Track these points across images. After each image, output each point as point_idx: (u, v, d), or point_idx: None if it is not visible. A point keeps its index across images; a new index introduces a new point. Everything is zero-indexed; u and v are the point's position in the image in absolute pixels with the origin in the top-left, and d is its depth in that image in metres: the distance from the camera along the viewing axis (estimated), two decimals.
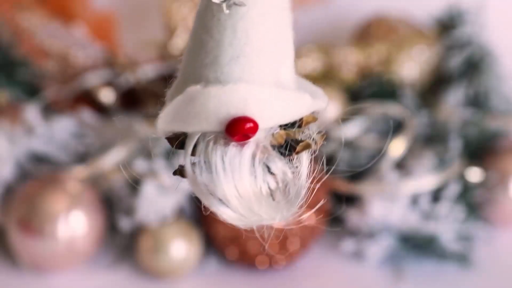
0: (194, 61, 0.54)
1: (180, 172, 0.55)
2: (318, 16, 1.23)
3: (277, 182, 0.54)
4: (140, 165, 0.94)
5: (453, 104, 1.10)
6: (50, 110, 1.04)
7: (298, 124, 0.55)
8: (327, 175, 0.56)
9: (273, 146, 0.54)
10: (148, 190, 0.93)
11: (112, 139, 0.98)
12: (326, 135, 0.56)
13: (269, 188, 0.54)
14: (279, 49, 0.54)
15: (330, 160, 0.90)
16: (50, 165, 0.97)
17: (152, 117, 1.01)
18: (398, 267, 0.96)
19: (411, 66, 1.13)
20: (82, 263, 0.95)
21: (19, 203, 0.93)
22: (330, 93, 1.06)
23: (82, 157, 0.98)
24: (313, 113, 0.56)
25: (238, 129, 0.52)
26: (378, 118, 1.04)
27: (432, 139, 1.03)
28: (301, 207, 0.55)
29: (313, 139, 0.55)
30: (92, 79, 1.08)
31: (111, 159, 0.96)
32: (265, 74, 0.53)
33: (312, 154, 0.55)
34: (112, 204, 0.96)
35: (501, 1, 1.25)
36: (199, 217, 0.96)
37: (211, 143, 0.53)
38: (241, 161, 0.53)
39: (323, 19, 1.26)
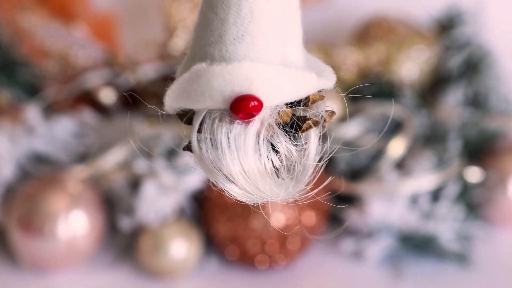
0: (200, 39, 0.55)
1: (188, 147, 0.56)
2: (318, 16, 1.23)
3: (282, 160, 0.54)
4: (140, 165, 0.94)
5: (452, 104, 1.10)
6: (50, 110, 1.04)
7: (304, 102, 0.55)
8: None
9: (279, 124, 0.54)
10: (148, 190, 0.93)
11: (112, 139, 0.98)
12: (334, 113, 0.56)
13: (274, 165, 0.54)
14: (285, 27, 0.54)
15: (330, 160, 0.90)
16: (51, 165, 0.97)
17: (151, 117, 1.02)
18: (397, 267, 0.96)
19: (411, 66, 1.13)
20: (82, 263, 0.95)
21: (19, 202, 0.93)
22: (330, 93, 1.06)
23: (83, 157, 0.98)
24: (320, 91, 0.56)
25: (242, 107, 0.52)
26: (378, 118, 1.04)
27: (432, 139, 1.03)
28: (307, 184, 0.55)
29: (321, 116, 0.55)
30: (92, 79, 1.08)
31: (111, 159, 0.96)
32: (270, 52, 0.54)
33: (320, 132, 0.55)
34: (112, 204, 0.96)
35: (500, 2, 1.25)
36: (199, 217, 0.96)
37: (216, 121, 0.54)
38: (246, 139, 0.53)
39: (323, 19, 1.26)
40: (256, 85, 0.52)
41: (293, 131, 0.54)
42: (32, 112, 1.00)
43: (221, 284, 0.94)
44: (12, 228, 0.93)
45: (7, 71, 1.07)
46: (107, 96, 1.08)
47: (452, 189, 0.96)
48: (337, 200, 0.97)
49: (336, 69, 1.12)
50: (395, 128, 1.02)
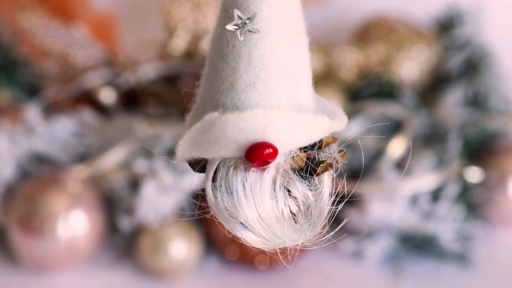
0: (211, 88, 0.55)
1: (201, 196, 0.56)
2: (318, 16, 1.23)
3: (298, 205, 0.54)
4: (140, 165, 0.94)
5: (452, 104, 1.10)
6: (50, 110, 1.04)
7: (318, 145, 0.55)
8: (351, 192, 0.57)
9: (294, 169, 0.54)
10: (148, 190, 0.93)
11: (112, 139, 0.98)
12: (346, 154, 0.56)
13: (291, 211, 0.54)
14: (295, 72, 0.54)
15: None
16: (51, 165, 0.97)
17: (152, 117, 1.02)
18: (397, 267, 0.96)
19: (411, 66, 1.13)
20: (82, 263, 0.95)
21: (19, 202, 0.93)
22: (330, 93, 1.06)
23: (83, 157, 0.98)
24: (332, 133, 0.56)
25: (257, 155, 0.52)
26: (378, 118, 1.04)
27: (432, 139, 1.03)
28: (324, 227, 0.55)
29: (334, 158, 0.55)
30: (93, 79, 1.08)
31: (111, 159, 0.96)
32: (282, 98, 0.54)
33: (334, 174, 0.55)
34: (113, 204, 0.96)
35: (500, 2, 1.25)
36: (199, 217, 0.96)
37: (231, 169, 0.54)
38: (262, 186, 0.53)
39: (323, 19, 1.26)
40: (270, 132, 0.52)
41: (307, 175, 0.54)
42: (32, 112, 1.00)
43: (221, 284, 0.94)
44: (12, 228, 0.93)
45: (7, 71, 1.07)
46: (107, 96, 1.08)
47: (452, 189, 0.96)
48: (337, 200, 0.97)
49: (336, 69, 1.13)
50: (395, 128, 1.02)
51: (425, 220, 0.95)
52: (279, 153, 0.53)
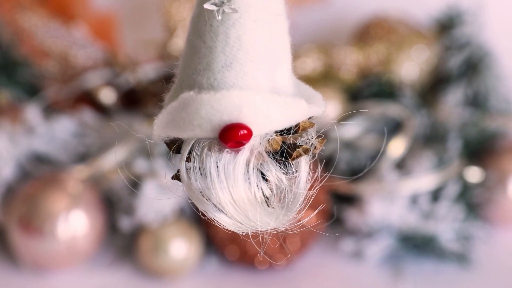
0: (188, 67, 0.54)
1: (177, 177, 0.55)
2: (318, 16, 1.23)
3: (272, 189, 0.54)
4: (140, 165, 0.94)
5: (452, 104, 1.10)
6: (50, 110, 1.05)
7: (294, 129, 0.54)
8: (326, 177, 0.56)
9: (269, 153, 0.54)
10: (148, 190, 0.93)
11: (112, 139, 0.98)
12: (325, 140, 0.55)
13: (264, 194, 0.54)
14: (274, 54, 0.54)
15: (330, 161, 0.90)
16: (51, 165, 0.97)
17: (152, 117, 1.02)
18: (397, 267, 0.96)
19: (411, 66, 1.13)
20: (82, 263, 0.95)
21: (19, 202, 0.93)
22: (330, 93, 1.06)
23: (83, 157, 0.98)
24: (310, 118, 0.55)
25: (231, 136, 0.52)
26: (378, 118, 1.04)
27: (432, 139, 1.03)
28: (299, 212, 0.54)
29: (311, 144, 0.55)
30: (92, 79, 1.08)
31: (111, 159, 0.96)
32: (259, 80, 0.53)
33: (311, 159, 0.55)
34: (112, 204, 0.96)
35: (500, 2, 1.25)
36: (199, 217, 0.96)
37: (205, 149, 0.53)
38: (235, 167, 0.53)
39: (323, 19, 1.26)
40: (245, 114, 0.52)
41: (283, 159, 0.54)
42: (32, 112, 1.00)
43: (221, 284, 0.94)
44: (12, 228, 0.93)
45: (7, 71, 1.07)
46: (107, 96, 1.08)
47: (452, 189, 0.96)
48: (337, 200, 0.98)
49: (336, 69, 1.13)
50: (395, 128, 1.02)
51: (425, 220, 0.95)
52: (253, 135, 0.53)
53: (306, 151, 0.54)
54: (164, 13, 1.11)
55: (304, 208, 0.54)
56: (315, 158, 0.55)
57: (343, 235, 0.98)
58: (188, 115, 0.53)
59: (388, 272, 0.95)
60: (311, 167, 0.55)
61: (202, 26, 0.53)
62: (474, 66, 1.12)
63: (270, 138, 0.54)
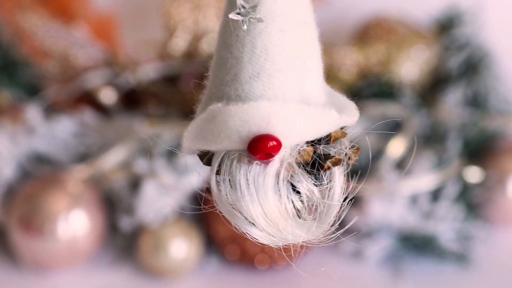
0: (216, 78, 0.54)
1: (207, 190, 0.55)
2: (318, 16, 1.23)
3: (302, 201, 0.53)
4: (140, 165, 0.94)
5: (452, 104, 1.10)
6: (51, 110, 1.05)
7: (326, 140, 0.54)
8: (358, 188, 0.55)
9: (300, 164, 0.53)
10: (148, 190, 0.93)
11: (112, 139, 0.98)
12: (359, 150, 0.54)
13: (295, 207, 0.53)
14: (302, 63, 0.53)
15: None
16: (51, 165, 0.97)
17: (151, 117, 1.02)
18: (397, 267, 0.96)
19: (411, 66, 1.13)
20: (83, 263, 0.95)
21: (20, 202, 0.93)
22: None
23: (83, 157, 0.98)
24: (342, 128, 0.55)
25: (260, 147, 0.51)
26: (378, 118, 1.04)
27: (432, 139, 1.03)
28: (332, 225, 0.54)
29: (345, 154, 0.54)
30: (93, 79, 1.08)
31: (111, 159, 0.96)
32: (287, 90, 0.52)
33: (345, 170, 0.54)
34: (113, 204, 0.96)
35: (500, 2, 1.25)
36: (199, 217, 0.96)
37: (235, 161, 0.53)
38: (265, 180, 0.52)
39: (323, 19, 1.25)
40: (273, 125, 0.51)
41: (315, 170, 0.53)
42: (33, 112, 1.00)
43: (221, 284, 0.94)
44: (13, 228, 0.93)
45: (7, 71, 1.07)
46: (107, 96, 1.08)
47: (452, 189, 0.96)
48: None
49: (336, 69, 1.13)
50: (395, 128, 1.02)
51: (425, 220, 0.95)
52: (283, 146, 0.52)
53: (338, 162, 0.53)
54: (164, 13, 1.11)
55: (339, 219, 0.54)
56: (349, 169, 0.54)
57: (343, 235, 0.98)
58: (216, 127, 0.52)
59: (388, 272, 0.95)
60: (345, 178, 0.54)
61: (229, 37, 0.53)
62: (473, 66, 1.12)
63: (301, 149, 0.53)
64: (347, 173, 0.55)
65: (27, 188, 0.94)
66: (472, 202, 0.99)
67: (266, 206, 0.52)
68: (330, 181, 0.53)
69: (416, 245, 0.96)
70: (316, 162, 0.53)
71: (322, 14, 1.28)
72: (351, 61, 1.13)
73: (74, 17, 1.15)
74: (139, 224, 0.94)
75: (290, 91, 0.53)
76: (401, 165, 0.98)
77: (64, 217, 0.92)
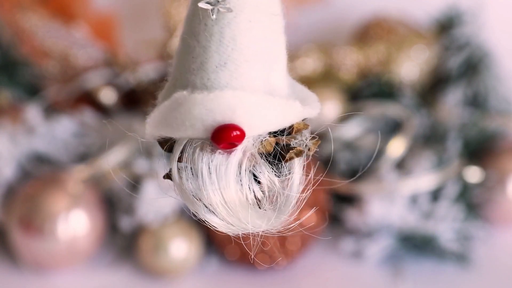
0: (182, 66, 0.54)
1: (169, 176, 0.55)
2: (318, 16, 1.23)
3: (263, 191, 0.53)
4: (140, 165, 0.94)
5: (452, 104, 1.10)
6: (51, 110, 1.05)
7: (288, 131, 0.54)
8: (320, 179, 0.56)
9: (262, 154, 0.53)
10: (148, 190, 0.93)
11: (112, 139, 0.98)
12: (319, 141, 0.55)
13: (256, 196, 0.53)
14: (269, 55, 0.53)
15: (329, 161, 0.90)
16: (51, 165, 0.97)
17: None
18: (397, 267, 0.96)
19: (411, 66, 1.13)
20: (83, 263, 0.95)
21: (20, 202, 0.93)
22: (330, 93, 1.07)
23: (83, 157, 0.98)
24: (304, 120, 0.55)
25: (224, 137, 0.52)
26: (378, 118, 1.04)
27: (432, 139, 1.03)
28: (291, 214, 0.54)
29: (306, 145, 0.54)
30: (93, 79, 1.08)
31: (111, 159, 0.96)
32: (254, 81, 0.53)
33: (304, 161, 0.54)
34: (113, 204, 0.96)
35: (500, 2, 1.25)
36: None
37: (197, 150, 0.53)
38: (227, 169, 0.52)
39: (323, 19, 1.26)
40: (238, 114, 0.51)
41: (276, 161, 0.53)
42: (33, 112, 1.00)
43: (221, 284, 0.94)
44: (13, 228, 0.94)
45: (7, 71, 1.07)
46: (107, 96, 1.08)
47: (452, 189, 0.97)
48: (337, 200, 0.98)
49: (335, 69, 1.13)
50: (395, 128, 1.02)
51: (425, 220, 0.95)
52: (246, 136, 0.52)
53: (300, 153, 0.54)
54: (164, 13, 1.11)
55: (297, 210, 0.54)
56: (309, 160, 0.54)
57: (343, 235, 0.98)
58: (180, 115, 0.52)
59: (388, 272, 0.95)
60: (305, 169, 0.54)
61: (197, 25, 0.53)
62: (473, 66, 1.12)
63: (263, 139, 0.53)
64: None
65: (27, 188, 0.94)
66: (472, 202, 0.99)
67: (227, 195, 0.52)
68: (290, 172, 0.54)
69: (416, 245, 0.96)
70: (277, 153, 0.53)
71: (322, 14, 1.29)
72: (351, 61, 1.13)
73: (74, 17, 1.15)
74: (139, 224, 0.94)
75: (256, 82, 0.53)
76: (401, 165, 0.98)
77: (64, 217, 0.92)
